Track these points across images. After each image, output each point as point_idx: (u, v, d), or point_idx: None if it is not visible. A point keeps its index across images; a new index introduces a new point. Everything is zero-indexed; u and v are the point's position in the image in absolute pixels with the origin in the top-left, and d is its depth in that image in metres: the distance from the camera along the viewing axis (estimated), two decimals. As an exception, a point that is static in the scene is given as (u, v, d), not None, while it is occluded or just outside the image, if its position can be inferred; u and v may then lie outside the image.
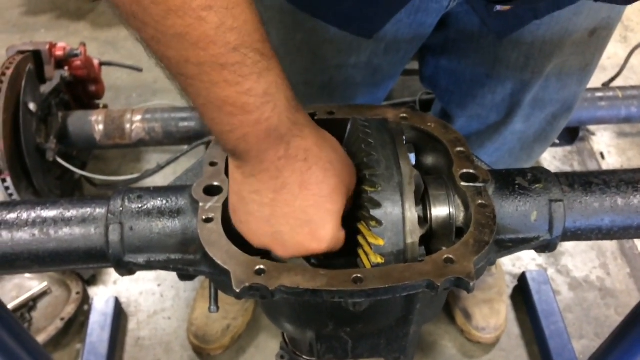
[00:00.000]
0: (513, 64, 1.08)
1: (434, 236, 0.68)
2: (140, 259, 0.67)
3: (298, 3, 0.94)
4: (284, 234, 0.61)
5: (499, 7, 0.87)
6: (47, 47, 1.89)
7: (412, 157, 0.72)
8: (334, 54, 1.05)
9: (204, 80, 0.52)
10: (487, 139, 1.25)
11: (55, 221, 0.67)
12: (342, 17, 0.93)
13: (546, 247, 0.70)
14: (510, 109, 1.17)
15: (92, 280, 1.92)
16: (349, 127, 0.72)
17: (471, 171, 0.68)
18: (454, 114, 1.24)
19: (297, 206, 0.60)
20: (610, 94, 2.04)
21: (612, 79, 2.20)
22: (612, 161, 2.26)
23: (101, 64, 2.12)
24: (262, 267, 0.59)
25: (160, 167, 1.98)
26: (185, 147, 1.98)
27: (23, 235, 0.67)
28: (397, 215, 0.61)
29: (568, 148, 2.32)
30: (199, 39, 0.49)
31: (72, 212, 0.68)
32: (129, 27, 0.52)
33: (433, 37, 1.11)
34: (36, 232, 0.67)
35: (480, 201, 0.66)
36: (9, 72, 1.69)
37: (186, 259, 0.67)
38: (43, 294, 1.85)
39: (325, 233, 0.61)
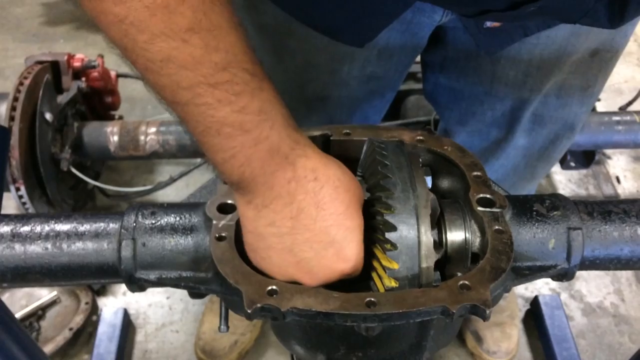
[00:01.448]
0: (511, 81, 1.08)
1: (448, 261, 0.67)
2: (152, 275, 0.67)
3: (290, 11, 0.94)
4: (309, 260, 0.60)
5: (488, 24, 0.86)
6: (65, 58, 1.92)
7: (429, 181, 0.72)
8: (327, 61, 1.05)
9: (198, 104, 0.53)
10: (490, 154, 1.25)
11: (68, 235, 0.67)
12: (333, 27, 0.94)
13: (563, 275, 0.69)
14: (510, 124, 1.17)
15: (102, 291, 1.93)
16: (364, 148, 0.72)
17: (488, 196, 0.67)
18: (454, 130, 1.24)
19: (317, 228, 0.59)
20: (627, 118, 2.02)
21: (629, 103, 2.19)
22: (627, 185, 2.24)
23: (118, 75, 2.13)
24: (274, 287, 0.59)
25: (172, 180, 1.99)
26: (198, 160, 1.99)
27: (36, 248, 0.67)
28: (412, 239, 0.60)
29: (584, 171, 2.30)
30: (186, 61, 0.51)
31: (85, 227, 0.68)
32: (127, 61, 0.54)
33: (432, 54, 1.13)
34: (49, 245, 0.67)
35: (497, 227, 0.65)
36: (26, 82, 1.71)
37: (198, 276, 0.66)
38: (52, 303, 1.85)
39: (350, 251, 0.60)
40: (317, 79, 1.09)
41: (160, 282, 0.67)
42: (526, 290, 1.94)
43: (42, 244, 0.67)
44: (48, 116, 1.75)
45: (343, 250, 0.60)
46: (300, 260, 0.60)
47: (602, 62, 1.08)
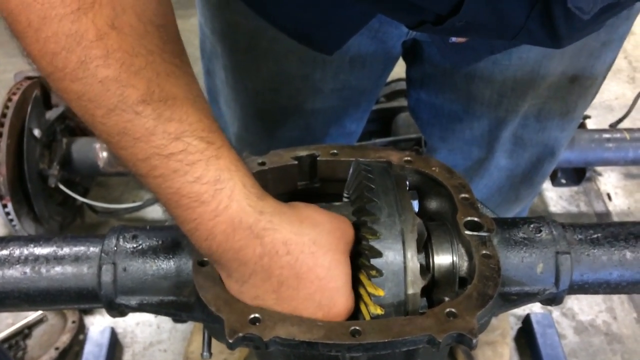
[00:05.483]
0: (487, 101, 1.08)
1: (436, 285, 0.66)
2: (133, 301, 0.65)
3: (259, 10, 0.93)
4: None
5: (454, 39, 0.87)
6: (55, 73, 1.90)
7: (415, 205, 0.71)
8: (299, 66, 1.05)
9: (156, 176, 0.53)
10: (474, 173, 1.25)
11: (47, 259, 0.66)
12: (301, 32, 0.93)
13: (552, 300, 0.68)
14: (490, 144, 1.18)
15: (89, 310, 1.90)
16: (351, 170, 0.71)
17: (475, 219, 0.66)
18: (437, 147, 1.25)
19: (301, 297, 0.58)
20: (618, 135, 2.03)
21: (620, 120, 2.19)
22: (618, 202, 2.24)
23: (108, 91, 2.12)
24: (257, 315, 0.57)
25: (162, 196, 1.97)
26: (189, 176, 1.97)
27: (14, 273, 0.65)
28: (398, 265, 0.59)
29: (575, 188, 2.30)
30: (140, 133, 0.51)
31: (65, 250, 0.66)
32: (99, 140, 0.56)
33: (413, 70, 1.14)
34: (27, 270, 0.65)
35: (484, 251, 0.64)
36: (15, 98, 1.70)
37: (180, 302, 0.65)
38: (39, 321, 1.82)
39: (339, 308, 0.59)
40: (290, 84, 1.09)
41: (141, 308, 0.65)
42: (518, 308, 1.93)
43: (20, 269, 0.65)
44: (36, 132, 1.74)
45: (332, 310, 0.59)
46: None
47: (581, 88, 1.09)
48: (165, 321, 1.87)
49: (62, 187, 1.83)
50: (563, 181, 2.22)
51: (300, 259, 0.57)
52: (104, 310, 1.88)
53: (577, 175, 2.21)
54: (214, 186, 0.54)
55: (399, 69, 1.19)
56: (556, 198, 2.29)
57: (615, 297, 1.98)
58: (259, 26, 0.98)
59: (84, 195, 2.01)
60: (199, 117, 0.54)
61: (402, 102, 2.07)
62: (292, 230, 0.58)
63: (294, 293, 0.58)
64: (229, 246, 0.56)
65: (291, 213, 0.60)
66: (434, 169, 0.73)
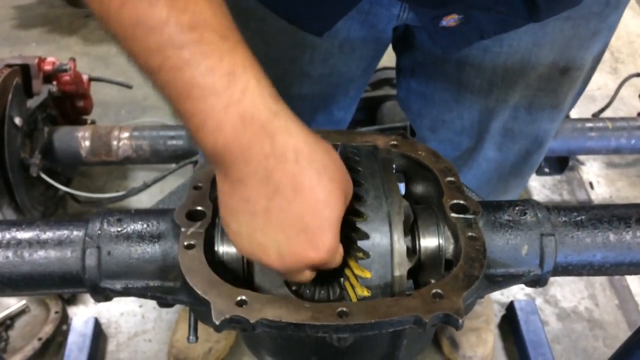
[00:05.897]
0: (477, 90, 1.09)
1: (422, 268, 0.66)
2: (118, 285, 0.65)
3: None
4: (279, 243, 0.57)
5: (444, 23, 0.86)
6: (36, 61, 1.88)
7: (402, 187, 0.71)
8: (288, 47, 1.04)
9: (169, 68, 0.53)
10: (462, 164, 1.26)
11: (30, 243, 0.65)
12: (291, 11, 0.92)
13: (537, 282, 0.69)
14: (479, 135, 1.18)
15: (72, 300, 1.88)
16: (337, 153, 0.71)
17: (461, 202, 0.67)
18: (427, 138, 1.25)
19: (292, 213, 0.56)
20: (600, 124, 2.05)
21: (602, 110, 2.22)
22: (601, 191, 2.27)
23: (90, 79, 2.10)
24: (244, 297, 0.57)
25: (146, 186, 1.96)
26: (173, 165, 1.96)
27: (-5, 257, 0.64)
28: (384, 247, 0.59)
29: (557, 177, 2.32)
30: (154, 23, 0.52)
31: (48, 234, 0.65)
32: (109, 34, 0.56)
33: (403, 59, 1.14)
34: (10, 254, 0.64)
35: (470, 233, 0.64)
36: (-5, 86, 1.67)
37: (165, 286, 0.64)
38: (21, 312, 1.80)
39: (323, 241, 0.57)
40: (277, 64, 1.07)
41: (126, 292, 0.65)
42: (502, 295, 1.95)
43: (2, 253, 0.64)
44: (17, 120, 1.71)
45: (316, 239, 0.57)
46: (271, 243, 0.58)
47: (571, 80, 1.09)
48: (150, 311, 1.86)
49: (44, 176, 1.81)
50: (546, 170, 2.24)
51: (305, 173, 0.56)
52: (87, 301, 1.86)
53: (560, 164, 2.23)
54: (227, 78, 0.54)
55: (386, 58, 1.19)
56: (539, 187, 2.31)
57: (597, 284, 2.01)
58: (249, 6, 0.97)
59: (66, 185, 1.99)
60: (214, 12, 0.55)
61: (388, 90, 2.07)
62: (306, 142, 0.57)
63: (286, 206, 0.56)
64: (236, 141, 0.54)
65: (311, 132, 0.59)
66: (420, 153, 0.73)
